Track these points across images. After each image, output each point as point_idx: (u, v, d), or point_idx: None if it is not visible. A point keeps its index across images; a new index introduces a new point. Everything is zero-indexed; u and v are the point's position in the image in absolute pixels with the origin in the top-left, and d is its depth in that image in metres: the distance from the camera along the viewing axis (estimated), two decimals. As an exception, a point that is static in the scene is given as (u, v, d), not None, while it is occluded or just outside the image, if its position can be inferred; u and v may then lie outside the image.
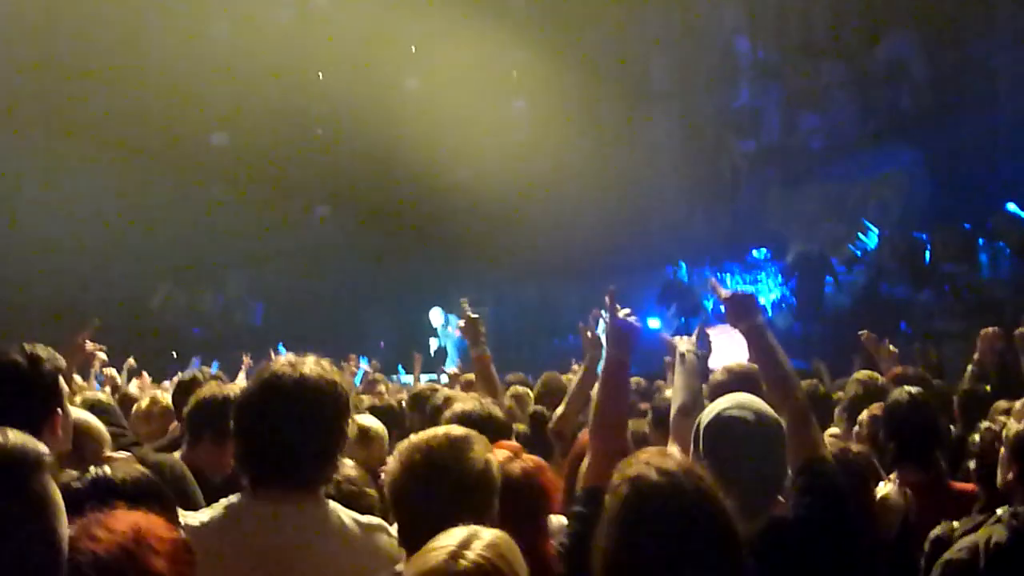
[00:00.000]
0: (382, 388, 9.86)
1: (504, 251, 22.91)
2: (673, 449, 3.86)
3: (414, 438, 2.98)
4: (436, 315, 19.38)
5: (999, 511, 3.58)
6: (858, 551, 3.38)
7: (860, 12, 22.17)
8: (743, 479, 3.04)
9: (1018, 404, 3.92)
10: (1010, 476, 3.54)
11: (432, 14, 21.97)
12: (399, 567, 2.78)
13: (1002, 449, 3.64)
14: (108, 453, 3.68)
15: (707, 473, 2.65)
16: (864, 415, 5.29)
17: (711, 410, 3.25)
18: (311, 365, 3.16)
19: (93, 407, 4.75)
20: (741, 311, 3.79)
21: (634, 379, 8.78)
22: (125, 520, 2.14)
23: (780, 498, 3.18)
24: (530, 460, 3.51)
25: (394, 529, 3.08)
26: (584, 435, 4.43)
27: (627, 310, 3.92)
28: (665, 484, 2.55)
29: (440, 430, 3.01)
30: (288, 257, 23.75)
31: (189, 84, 21.95)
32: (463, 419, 4.16)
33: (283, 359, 3.21)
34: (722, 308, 3.90)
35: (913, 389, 5.03)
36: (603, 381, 3.80)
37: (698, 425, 3.24)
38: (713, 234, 22.95)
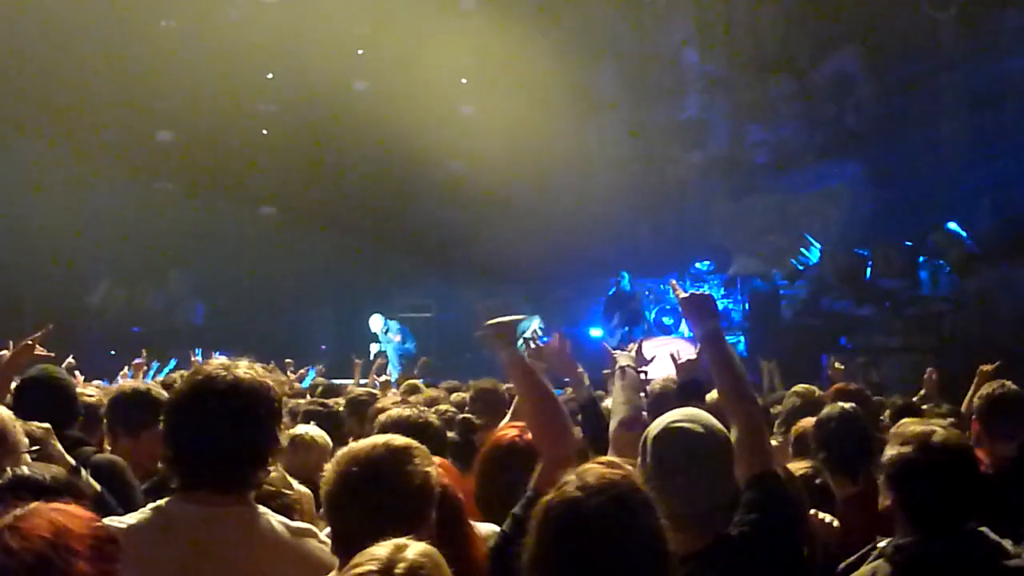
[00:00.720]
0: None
1: (448, 257, 22.89)
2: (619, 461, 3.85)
3: (353, 446, 2.94)
4: (376, 321, 19.19)
5: (881, 544, 3.50)
6: (802, 570, 3.34)
7: (807, 28, 22.35)
8: (690, 491, 3.04)
9: (893, 428, 3.93)
10: (888, 503, 3.53)
11: (382, 16, 21.87)
12: (332, 575, 2.75)
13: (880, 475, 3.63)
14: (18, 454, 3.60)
15: (640, 487, 2.57)
16: (793, 432, 5.32)
17: (659, 422, 3.21)
18: (244, 368, 3.14)
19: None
20: (702, 312, 3.74)
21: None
22: (42, 521, 2.07)
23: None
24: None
25: (324, 535, 3.05)
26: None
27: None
28: (581, 499, 2.47)
29: (380, 439, 2.97)
30: (231, 257, 23.50)
31: (135, 80, 21.69)
32: (398, 425, 4.14)
33: (216, 361, 3.18)
34: (679, 309, 3.84)
35: (847, 404, 5.06)
36: (543, 391, 3.74)
37: (646, 437, 3.21)
38: (658, 245, 23.00)
